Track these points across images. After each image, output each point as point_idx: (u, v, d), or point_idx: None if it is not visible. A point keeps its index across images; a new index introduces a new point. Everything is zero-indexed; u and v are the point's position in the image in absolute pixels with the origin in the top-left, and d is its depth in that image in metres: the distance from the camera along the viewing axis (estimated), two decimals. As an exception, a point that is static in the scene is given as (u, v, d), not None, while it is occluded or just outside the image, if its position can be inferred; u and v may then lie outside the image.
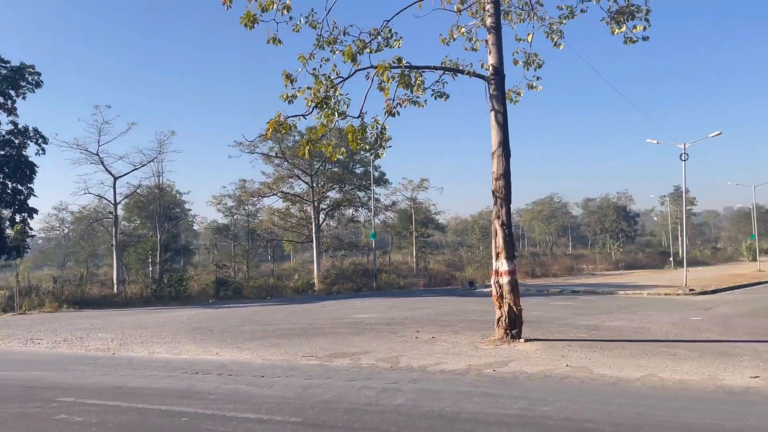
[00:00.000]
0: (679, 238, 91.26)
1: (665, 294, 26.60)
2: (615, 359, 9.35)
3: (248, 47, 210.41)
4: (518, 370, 8.43)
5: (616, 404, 6.17)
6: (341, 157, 16.63)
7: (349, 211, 57.95)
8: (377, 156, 12.72)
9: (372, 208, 45.76)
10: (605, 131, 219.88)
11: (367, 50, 12.30)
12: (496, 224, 11.78)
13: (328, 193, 53.08)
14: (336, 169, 52.03)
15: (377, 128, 12.43)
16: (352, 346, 11.30)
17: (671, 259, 63.59)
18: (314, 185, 48.08)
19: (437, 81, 12.79)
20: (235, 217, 56.45)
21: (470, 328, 14.38)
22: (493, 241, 11.92)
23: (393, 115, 12.53)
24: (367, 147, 12.74)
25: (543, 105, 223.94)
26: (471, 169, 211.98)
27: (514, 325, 11.59)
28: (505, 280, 11.59)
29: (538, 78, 15.08)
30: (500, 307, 11.68)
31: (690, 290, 27.14)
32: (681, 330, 13.70)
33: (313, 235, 46.84)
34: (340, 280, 40.19)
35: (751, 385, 7.18)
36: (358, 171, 54.27)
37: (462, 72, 12.64)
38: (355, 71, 12.19)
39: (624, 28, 13.27)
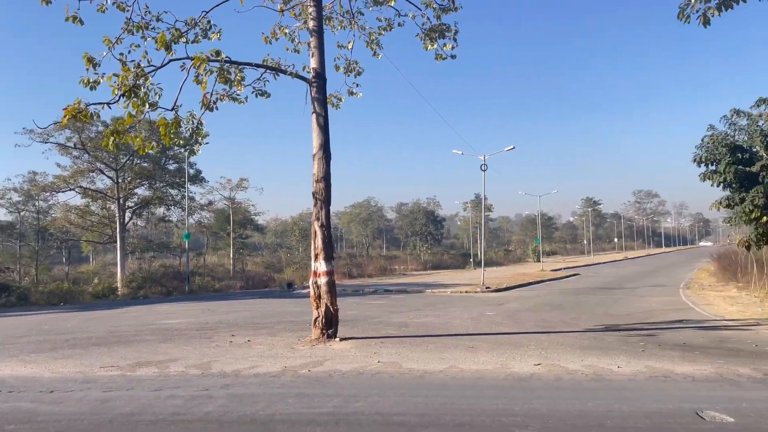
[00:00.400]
0: (479, 241, 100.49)
1: (466, 292, 29.10)
2: (422, 354, 9.97)
3: (42, 27, 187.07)
4: (333, 368, 8.58)
5: (422, 396, 6.57)
6: (152, 151, 15.53)
7: (160, 210, 54.43)
8: (192, 152, 12.15)
9: (186, 207, 43.37)
10: (419, 141, 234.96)
11: (183, 40, 11.68)
12: (316, 225, 11.89)
13: (136, 190, 49.22)
14: (146, 164, 48.40)
15: (193, 123, 11.83)
16: (160, 354, 10.56)
17: (471, 260, 69.60)
18: (120, 181, 44.21)
19: (258, 79, 12.55)
20: (22, 214, 49.75)
21: (287, 329, 14.32)
22: (312, 242, 12.00)
23: (210, 109, 12.01)
24: (182, 142, 12.04)
25: (363, 112, 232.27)
26: (293, 171, 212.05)
27: (330, 325, 11.79)
28: (323, 280, 11.74)
29: (357, 85, 15.60)
30: (317, 308, 11.81)
31: (486, 288, 30.02)
32: (478, 324, 15.06)
33: (117, 235, 43.05)
34: (148, 283, 37.46)
35: (535, 372, 8.14)
36: (171, 167, 51.10)
37: (284, 72, 12.56)
38: (169, 61, 11.47)
39: (435, 45, 14.29)
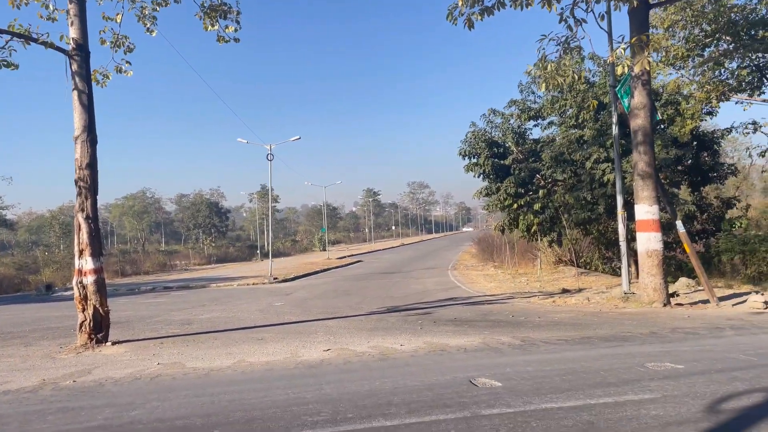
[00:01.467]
0: (265, 232, 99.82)
1: (253, 284, 28.58)
2: (207, 350, 9.43)
3: None
4: (104, 376, 7.64)
5: (208, 395, 6.17)
6: None
7: None
8: None
9: None
10: (200, 128, 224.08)
11: None
12: (80, 218, 10.49)
13: None
14: None
15: None
16: None
17: (258, 251, 68.83)
18: None
19: (3, 47, 10.63)
20: None
21: (46, 337, 12.48)
22: (76, 237, 10.57)
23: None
24: None
25: (135, 95, 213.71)
26: (53, 157, 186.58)
27: (99, 329, 10.53)
28: (90, 279, 10.43)
29: (128, 62, 14.20)
30: (84, 310, 10.46)
31: (274, 279, 29.85)
32: (267, 315, 14.83)
33: None
34: None
35: (325, 358, 8.21)
36: None
37: (35, 41, 10.81)
38: None
39: (217, 26, 13.59)
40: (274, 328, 12.07)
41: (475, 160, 26.10)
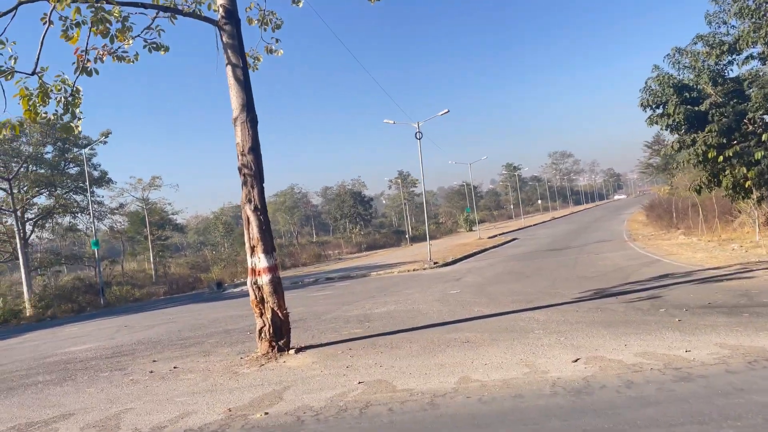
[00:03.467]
0: (407, 217, 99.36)
1: (414, 270, 27.06)
2: (411, 361, 7.62)
3: None
4: (299, 404, 6.07)
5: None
6: (29, 140, 12.11)
7: (66, 219, 49.33)
8: (69, 130, 9.05)
9: (91, 212, 38.89)
10: (339, 118, 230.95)
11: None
12: (248, 210, 9.20)
13: (35, 200, 44.15)
14: (42, 170, 43.44)
15: (65, 90, 8.79)
16: (50, 406, 7.64)
17: (407, 236, 68.22)
18: (14, 191, 39.20)
19: (149, 27, 9.61)
20: None
21: (224, 342, 11.59)
22: (246, 232, 9.32)
23: (89, 73, 9.03)
24: (52, 118, 8.95)
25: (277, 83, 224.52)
26: (210, 162, 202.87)
27: (280, 335, 9.20)
28: (265, 279, 9.11)
29: (277, 40, 12.96)
30: (262, 315, 9.18)
31: (434, 263, 28.12)
32: (451, 307, 12.89)
33: (19, 251, 38.16)
34: (56, 301, 33.06)
35: (582, 373, 5.98)
36: (72, 171, 46.20)
37: (182, 13, 9.67)
38: (18, 5, 8.36)
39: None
40: (470, 324, 10.06)
41: (661, 110, 22.12)
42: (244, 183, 9.25)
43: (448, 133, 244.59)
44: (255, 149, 9.25)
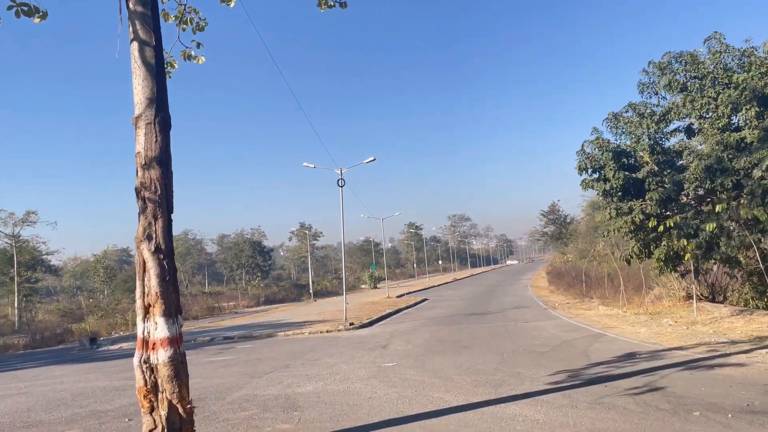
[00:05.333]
0: (309, 271, 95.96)
1: (327, 331, 24.12)
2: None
3: None
4: None
5: None
6: None
7: None
8: None
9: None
10: (239, 165, 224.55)
11: None
12: (146, 251, 6.22)
13: None
14: None
15: None
16: None
17: (311, 291, 64.93)
18: None
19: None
20: None
21: (89, 438, 8.19)
22: (138, 283, 6.29)
23: None
24: None
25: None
26: (95, 199, 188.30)
27: (179, 443, 6.15)
28: (162, 356, 6.09)
29: (198, 45, 10.42)
30: (152, 411, 6.10)
31: (350, 324, 25.36)
32: (398, 390, 10.25)
33: None
34: None
35: None
36: None
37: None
38: None
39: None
40: (443, 426, 7.50)
41: (596, 175, 21.39)
42: (143, 211, 6.31)
43: (354, 187, 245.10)
44: (163, 162, 6.39)
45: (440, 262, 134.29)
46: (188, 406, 6.24)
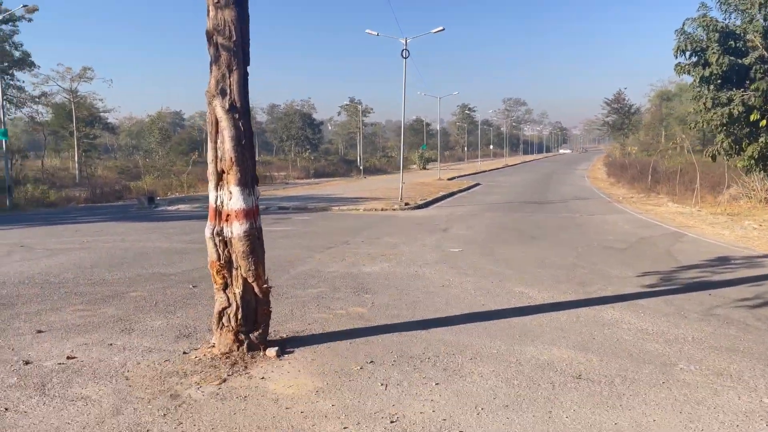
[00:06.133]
0: (358, 147, 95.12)
1: (382, 210, 23.60)
2: (497, 414, 4.26)
3: None
4: None
5: None
6: None
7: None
8: None
9: (-2, 95, 32.78)
10: (299, 25, 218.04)
11: None
12: (219, 109, 5.31)
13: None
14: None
15: None
16: None
17: (360, 167, 64.65)
18: None
19: None
20: None
21: (155, 302, 7.88)
22: (210, 145, 5.45)
23: None
24: None
25: None
26: (149, 61, 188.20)
27: (254, 323, 5.60)
28: (238, 229, 5.38)
29: None
30: (225, 288, 5.50)
31: (405, 204, 24.78)
32: (474, 279, 9.56)
33: None
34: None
35: None
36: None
37: None
38: None
39: None
40: (537, 325, 6.78)
41: (695, 59, 19.04)
42: (215, 60, 5.30)
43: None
44: (239, 1, 5.27)
45: (491, 147, 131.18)
46: (264, 285, 5.61)
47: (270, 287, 5.74)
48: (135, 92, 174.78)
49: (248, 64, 5.48)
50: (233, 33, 5.24)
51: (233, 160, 5.30)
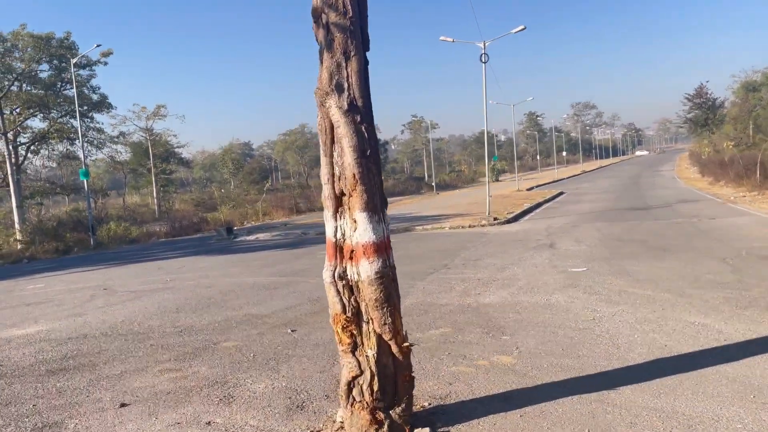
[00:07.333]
0: (427, 164, 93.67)
1: (470, 226, 21.94)
2: None
3: None
4: None
5: None
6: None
7: (62, 146, 44.64)
8: None
9: (79, 134, 33.67)
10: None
11: None
12: (334, 109, 3.98)
13: (28, 122, 39.36)
14: (36, 90, 38.29)
15: None
16: None
17: (433, 184, 63.31)
18: (5, 112, 34.48)
19: None
20: None
21: (253, 353, 6.62)
22: (324, 159, 4.13)
23: None
24: None
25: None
26: (220, 95, 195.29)
27: (393, 394, 4.17)
28: (366, 270, 3.99)
29: None
30: (353, 349, 4.11)
31: (494, 219, 23.01)
32: (623, 308, 7.81)
33: (10, 178, 33.70)
34: (41, 237, 28.24)
35: None
36: (69, 93, 41.05)
37: None
38: None
39: None
40: (762, 381, 5.01)
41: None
42: (328, 46, 3.98)
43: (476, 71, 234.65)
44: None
45: (564, 153, 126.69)
46: (404, 344, 4.17)
47: (411, 345, 4.29)
48: (204, 127, 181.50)
49: (368, 49, 4.13)
50: (348, 7, 3.90)
51: (357, 177, 3.92)
